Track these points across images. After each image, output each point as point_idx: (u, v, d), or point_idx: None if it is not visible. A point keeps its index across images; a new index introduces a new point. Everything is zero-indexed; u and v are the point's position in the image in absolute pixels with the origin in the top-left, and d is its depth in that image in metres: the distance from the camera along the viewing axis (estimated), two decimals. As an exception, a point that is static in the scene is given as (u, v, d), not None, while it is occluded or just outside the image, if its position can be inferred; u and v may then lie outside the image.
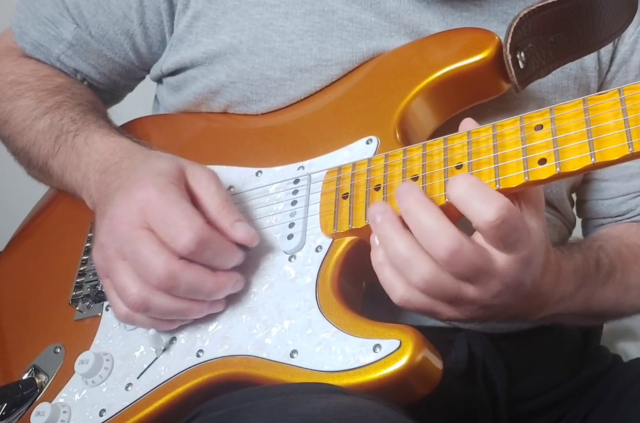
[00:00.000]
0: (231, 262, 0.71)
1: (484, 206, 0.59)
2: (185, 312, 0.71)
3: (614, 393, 0.82)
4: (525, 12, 0.76)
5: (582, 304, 0.76)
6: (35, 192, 1.00)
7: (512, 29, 0.75)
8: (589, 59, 0.84)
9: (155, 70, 0.93)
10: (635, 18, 0.80)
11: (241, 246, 0.71)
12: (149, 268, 0.68)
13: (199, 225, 0.68)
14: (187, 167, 0.73)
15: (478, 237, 0.63)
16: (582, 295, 0.75)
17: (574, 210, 0.97)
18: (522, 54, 0.75)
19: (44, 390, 0.80)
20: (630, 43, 0.87)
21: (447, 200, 0.64)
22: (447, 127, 0.78)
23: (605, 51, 0.86)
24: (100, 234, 0.73)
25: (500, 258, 0.62)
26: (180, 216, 0.68)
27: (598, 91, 0.86)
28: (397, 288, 0.64)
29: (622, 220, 0.93)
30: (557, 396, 0.87)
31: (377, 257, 0.65)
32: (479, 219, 0.60)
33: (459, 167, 0.66)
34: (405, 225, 0.63)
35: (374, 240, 0.66)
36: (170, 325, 0.73)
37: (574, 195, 0.97)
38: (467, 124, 0.68)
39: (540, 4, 0.76)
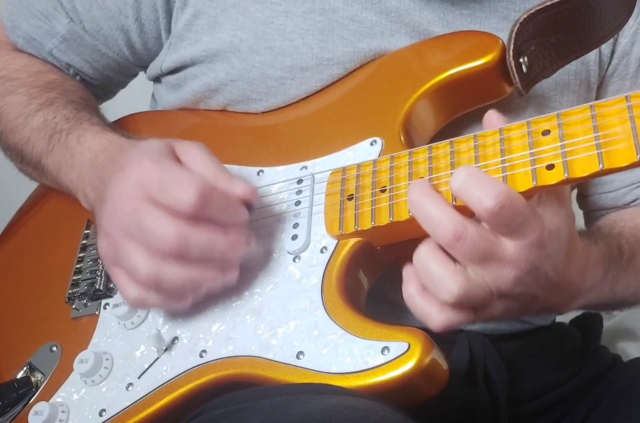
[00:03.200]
0: (237, 216, 0.70)
1: (482, 193, 0.60)
2: (199, 281, 0.69)
3: (614, 393, 0.83)
4: (525, 16, 0.76)
5: (609, 291, 0.76)
6: (28, 186, 0.99)
7: (514, 35, 0.76)
8: (590, 53, 0.84)
9: (154, 69, 0.92)
10: (635, 10, 0.81)
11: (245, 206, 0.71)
12: (157, 236, 0.67)
13: (197, 179, 0.67)
14: (175, 144, 0.73)
15: (485, 224, 0.63)
16: (609, 281, 0.75)
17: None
18: (525, 58, 0.76)
19: (40, 389, 0.79)
20: (630, 35, 0.87)
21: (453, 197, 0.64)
22: (450, 128, 0.79)
23: (606, 44, 0.86)
24: (103, 221, 0.72)
25: (509, 244, 0.62)
26: (177, 176, 0.68)
27: (598, 86, 0.88)
28: (433, 316, 0.64)
29: (628, 208, 0.93)
30: (558, 396, 0.88)
31: (409, 290, 0.66)
32: (479, 207, 0.60)
33: None
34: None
35: (406, 273, 0.66)
36: (183, 302, 0.71)
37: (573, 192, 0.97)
38: (492, 116, 0.68)
39: (539, 7, 0.77)
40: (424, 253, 0.64)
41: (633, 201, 0.93)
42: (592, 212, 0.97)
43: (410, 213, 0.67)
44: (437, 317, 0.64)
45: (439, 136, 0.78)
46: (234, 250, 0.69)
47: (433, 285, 0.63)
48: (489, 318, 0.66)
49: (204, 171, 0.70)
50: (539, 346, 0.89)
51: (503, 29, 0.80)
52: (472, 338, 0.83)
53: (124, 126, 0.93)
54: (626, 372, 0.87)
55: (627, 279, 0.79)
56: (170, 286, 0.69)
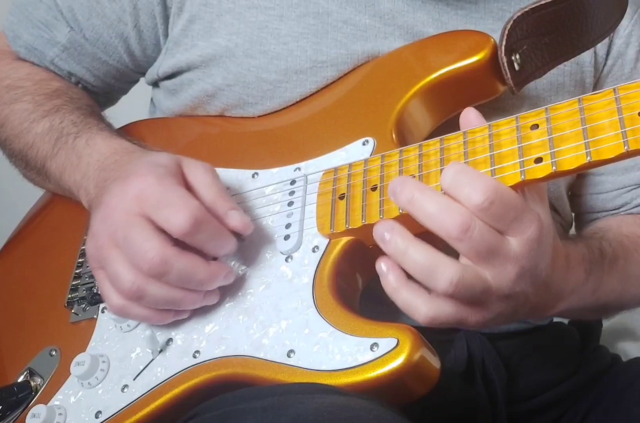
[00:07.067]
0: (225, 248, 0.70)
1: (471, 189, 0.59)
2: (179, 302, 0.70)
3: (613, 393, 0.83)
4: (519, 14, 0.76)
5: (592, 294, 0.75)
6: (33, 194, 1.00)
7: (507, 32, 0.76)
8: (585, 54, 0.84)
9: (152, 74, 0.93)
10: (628, 10, 0.81)
11: (235, 236, 0.71)
12: (140, 252, 0.67)
13: (195, 205, 0.68)
14: (184, 161, 0.74)
15: None
16: (592, 284, 0.74)
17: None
18: (517, 56, 0.76)
19: (39, 392, 0.80)
20: (625, 36, 0.88)
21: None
22: (445, 128, 0.79)
23: (602, 45, 0.86)
24: (93, 223, 0.72)
25: (512, 240, 0.61)
26: (175, 198, 0.68)
27: (594, 86, 0.88)
28: (419, 308, 0.63)
29: (617, 213, 0.93)
30: (556, 395, 0.87)
31: (391, 283, 0.64)
32: (469, 204, 0.60)
33: None
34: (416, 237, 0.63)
35: (381, 267, 0.65)
36: (164, 317, 0.72)
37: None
38: (469, 113, 0.68)
39: (534, 6, 0.77)
40: (404, 246, 0.62)
41: (623, 205, 0.92)
42: (582, 215, 0.96)
43: (401, 211, 0.66)
44: (423, 308, 0.63)
45: (433, 136, 0.78)
46: (212, 281, 0.70)
47: (428, 276, 0.61)
48: (481, 322, 0.64)
49: (205, 195, 0.71)
50: (537, 345, 0.89)
51: (498, 30, 0.80)
52: (470, 337, 0.83)
53: (127, 134, 0.94)
54: (625, 371, 0.87)
55: (611, 283, 0.78)
56: (152, 302, 0.70)
